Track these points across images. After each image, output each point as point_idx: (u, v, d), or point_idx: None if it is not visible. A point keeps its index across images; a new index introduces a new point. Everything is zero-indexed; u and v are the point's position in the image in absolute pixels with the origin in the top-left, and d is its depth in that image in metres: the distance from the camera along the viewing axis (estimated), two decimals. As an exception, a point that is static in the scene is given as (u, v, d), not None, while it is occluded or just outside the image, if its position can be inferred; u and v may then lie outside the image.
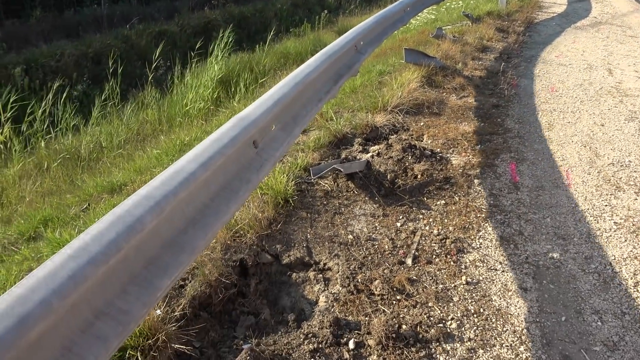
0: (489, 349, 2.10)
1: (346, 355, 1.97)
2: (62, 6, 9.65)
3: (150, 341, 1.74)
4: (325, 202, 3.01)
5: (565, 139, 4.22)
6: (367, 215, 2.94)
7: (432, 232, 2.85)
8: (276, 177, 2.98)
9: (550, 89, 5.48)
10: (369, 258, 2.60)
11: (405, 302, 2.29)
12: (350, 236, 2.75)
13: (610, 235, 2.97)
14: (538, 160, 3.83)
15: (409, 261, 2.59)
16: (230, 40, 7.84)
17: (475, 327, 2.20)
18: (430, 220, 2.96)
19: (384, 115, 4.18)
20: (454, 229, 2.89)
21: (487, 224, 2.96)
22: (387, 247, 2.69)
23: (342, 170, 3.07)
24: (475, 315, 2.27)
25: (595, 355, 2.13)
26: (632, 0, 13.74)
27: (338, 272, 2.46)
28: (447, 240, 2.78)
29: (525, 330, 2.22)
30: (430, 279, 2.48)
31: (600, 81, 5.83)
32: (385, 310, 2.23)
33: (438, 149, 3.75)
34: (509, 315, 2.29)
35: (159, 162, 4.82)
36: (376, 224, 2.88)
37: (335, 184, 3.17)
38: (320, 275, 2.46)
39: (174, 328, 1.84)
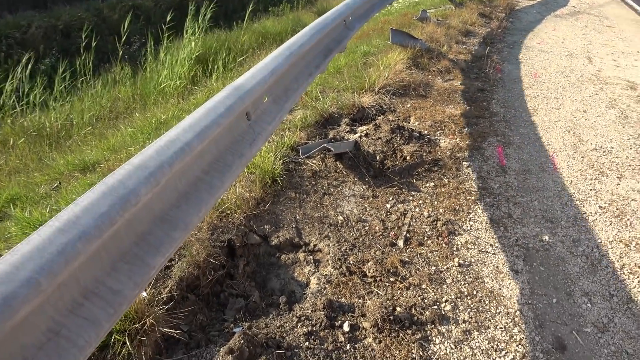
0: (483, 331, 2.07)
1: (341, 338, 1.91)
2: (28, -25, 9.14)
3: (137, 325, 1.63)
4: (314, 183, 2.92)
5: (549, 124, 4.24)
6: (357, 196, 2.87)
7: (422, 214, 2.80)
8: (263, 155, 2.87)
9: (533, 75, 5.50)
10: (360, 239, 2.53)
11: (399, 284, 2.24)
12: (340, 217, 2.68)
13: (596, 219, 2.99)
14: (524, 144, 3.82)
15: (400, 243, 2.53)
16: (207, 17, 7.57)
17: (469, 309, 2.17)
18: (420, 202, 2.91)
19: (371, 96, 4.09)
20: (445, 211, 2.85)
21: (476, 207, 2.94)
22: (377, 228, 2.63)
23: (332, 149, 2.98)
24: (468, 297, 2.24)
25: (586, 336, 2.14)
26: (608, -9, 13.94)
27: (329, 253, 2.39)
28: (438, 222, 2.73)
29: (518, 312, 2.21)
30: (423, 261, 2.43)
31: (581, 69, 5.89)
32: (379, 292, 2.18)
33: (426, 131, 3.69)
34: (502, 297, 2.27)
35: (134, 140, 4.63)
36: (366, 205, 2.81)
37: (324, 164, 3.08)
38: (311, 257, 2.39)
39: (161, 311, 1.73)
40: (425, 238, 2.61)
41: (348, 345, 1.93)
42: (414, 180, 3.10)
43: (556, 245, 2.70)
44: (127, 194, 1.11)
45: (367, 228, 2.62)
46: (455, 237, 2.64)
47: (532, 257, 2.58)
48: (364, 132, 3.49)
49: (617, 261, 2.65)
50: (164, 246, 1.29)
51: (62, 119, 5.62)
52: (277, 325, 1.94)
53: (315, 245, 2.45)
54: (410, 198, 2.93)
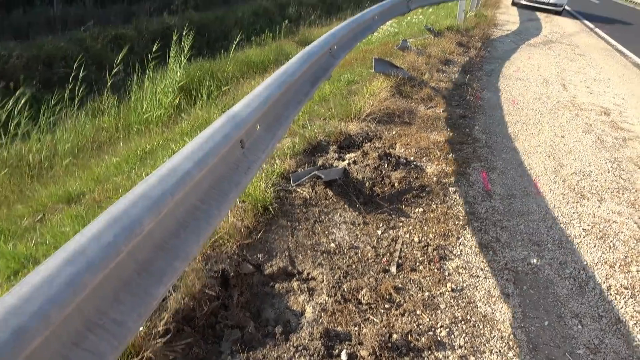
0: (479, 356, 2.08)
1: (339, 367, 1.90)
2: (10, 5, 9.10)
3: (135, 359, 1.59)
4: (305, 210, 2.93)
5: (530, 149, 4.36)
6: (348, 223, 2.89)
7: (413, 239, 2.83)
8: (255, 183, 2.88)
9: (512, 102, 5.68)
10: (353, 266, 2.54)
11: (394, 311, 2.24)
12: (332, 244, 2.68)
13: (581, 241, 3.07)
14: (507, 169, 3.92)
15: (393, 269, 2.55)
16: (190, 45, 7.64)
17: (464, 334, 2.18)
18: (410, 227, 2.94)
19: (357, 124, 4.17)
20: (434, 236, 2.88)
21: (465, 231, 2.98)
22: (370, 255, 2.64)
23: (322, 177, 3.00)
24: (463, 322, 2.25)
25: (579, 358, 2.16)
26: (578, 21, 14.61)
27: (323, 281, 2.39)
28: (429, 248, 2.76)
29: (512, 335, 2.23)
30: (416, 287, 2.44)
31: (557, 95, 6.11)
32: (375, 319, 2.18)
33: (412, 158, 3.76)
34: (495, 322, 2.29)
35: (119, 170, 4.59)
36: (357, 232, 2.83)
37: (314, 191, 3.11)
38: (305, 285, 2.38)
39: (158, 344, 1.70)
40: (417, 263, 2.63)
41: (346, 373, 1.91)
42: (403, 206, 3.14)
43: (544, 268, 2.75)
44: (131, 223, 1.11)
45: (359, 255, 2.63)
46: (447, 262, 2.67)
47: (522, 281, 2.62)
48: (352, 159, 3.54)
49: (604, 282, 2.70)
50: (166, 276, 1.28)
51: (44, 149, 5.55)
52: (275, 356, 1.92)
53: (308, 274, 2.45)
54: (401, 224, 2.96)
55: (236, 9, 13.84)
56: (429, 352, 2.05)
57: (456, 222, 3.05)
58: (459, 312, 2.31)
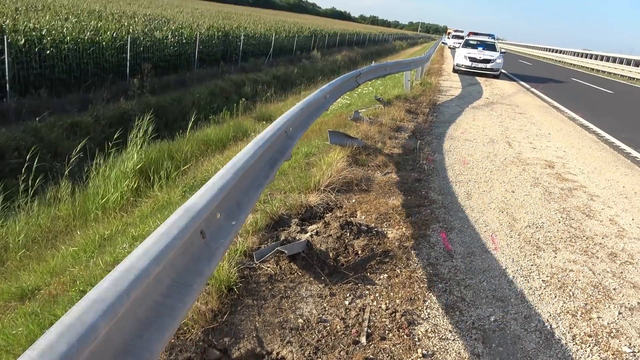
0: (456, 423, 2.05)
1: None
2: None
3: None
4: (270, 287, 2.91)
5: (484, 206, 4.55)
6: (315, 296, 2.88)
7: (380, 307, 2.84)
8: (218, 264, 2.85)
9: (462, 162, 5.97)
10: (323, 341, 2.50)
11: (367, 384, 2.20)
12: (300, 320, 2.65)
13: (542, 293, 3.16)
14: (464, 227, 4.06)
15: (363, 340, 2.53)
16: (148, 128, 7.74)
17: (439, 402, 2.16)
18: (377, 295, 2.95)
19: (317, 195, 4.26)
20: (401, 301, 2.90)
21: (431, 293, 3.02)
22: (339, 327, 2.62)
23: (285, 251, 3.02)
24: (437, 389, 2.23)
25: (554, 414, 2.16)
26: (515, 83, 15.78)
27: (293, 360, 2.33)
28: (397, 314, 2.77)
29: (486, 398, 2.22)
30: (387, 356, 2.42)
31: (503, 153, 6.48)
32: (348, 395, 2.13)
33: (373, 224, 3.85)
34: (469, 385, 2.28)
35: (77, 260, 4.45)
36: (324, 305, 2.82)
37: (278, 266, 3.10)
38: (275, 366, 2.31)
39: None
40: (387, 332, 2.62)
41: None
42: (368, 273, 3.17)
43: (510, 323, 2.80)
44: (85, 330, 1.09)
45: (328, 328, 2.61)
46: (415, 327, 2.68)
47: (490, 339, 2.65)
48: (315, 230, 3.58)
49: (568, 332, 2.77)
50: (127, 379, 1.24)
51: (-6, 244, 5.32)
52: None
53: (278, 353, 2.39)
54: (367, 292, 2.98)
55: (193, 90, 14.22)
56: None
57: (421, 285, 3.09)
58: (432, 378, 2.30)
